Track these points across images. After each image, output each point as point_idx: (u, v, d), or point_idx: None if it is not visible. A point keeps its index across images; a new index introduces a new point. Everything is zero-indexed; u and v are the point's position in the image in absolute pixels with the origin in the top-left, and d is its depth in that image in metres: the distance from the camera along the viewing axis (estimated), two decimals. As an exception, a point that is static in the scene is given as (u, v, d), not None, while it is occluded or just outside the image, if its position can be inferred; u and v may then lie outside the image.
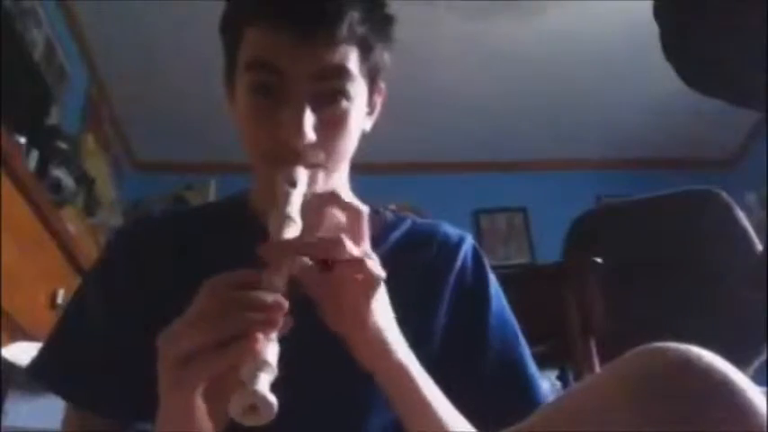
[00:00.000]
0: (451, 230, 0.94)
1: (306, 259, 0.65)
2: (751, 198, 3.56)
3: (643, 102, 3.59)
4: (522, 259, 3.66)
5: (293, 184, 0.73)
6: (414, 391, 0.68)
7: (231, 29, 0.80)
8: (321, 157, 0.78)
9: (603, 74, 3.43)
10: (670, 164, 4.04)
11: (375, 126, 0.88)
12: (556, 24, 3.14)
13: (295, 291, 0.63)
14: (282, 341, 0.60)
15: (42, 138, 2.15)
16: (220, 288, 0.59)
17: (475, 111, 3.64)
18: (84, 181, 2.55)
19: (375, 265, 0.65)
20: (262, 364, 0.54)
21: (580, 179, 4.00)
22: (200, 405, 0.59)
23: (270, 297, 0.58)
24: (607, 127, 3.79)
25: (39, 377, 0.88)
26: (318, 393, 0.78)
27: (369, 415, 0.79)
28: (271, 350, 0.56)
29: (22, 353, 1.41)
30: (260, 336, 0.56)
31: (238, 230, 0.88)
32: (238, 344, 0.56)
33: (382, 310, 0.67)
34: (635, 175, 4.03)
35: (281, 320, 0.59)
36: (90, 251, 2.21)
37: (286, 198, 0.71)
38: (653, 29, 1.64)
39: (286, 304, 0.59)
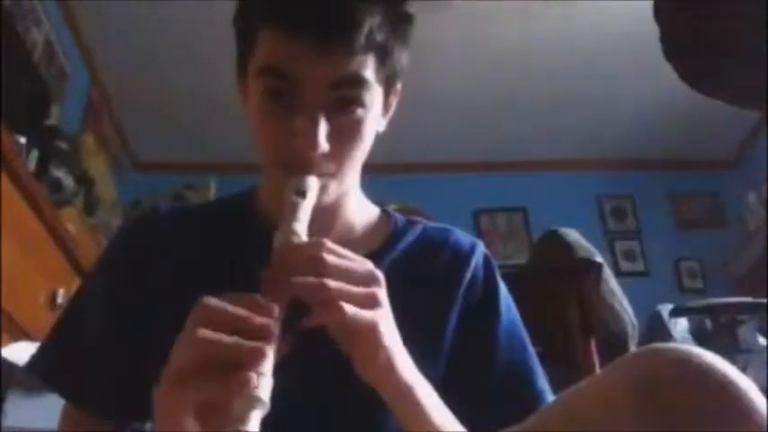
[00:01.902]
0: (463, 238, 0.92)
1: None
2: (751, 198, 3.56)
3: (643, 102, 3.59)
4: (521, 259, 3.65)
5: (302, 194, 0.72)
6: (419, 412, 0.67)
7: (245, 27, 0.79)
8: (333, 166, 0.77)
9: (604, 74, 3.42)
10: (670, 164, 4.05)
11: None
12: (556, 25, 3.14)
13: (300, 310, 0.63)
14: (293, 353, 0.60)
15: (42, 138, 2.15)
16: (213, 319, 0.58)
17: (475, 111, 3.64)
18: (84, 181, 2.55)
19: (359, 312, 0.62)
20: (254, 401, 0.54)
21: (580, 179, 4.00)
22: (194, 428, 0.58)
23: (261, 342, 0.57)
24: (607, 127, 3.79)
25: (37, 373, 0.88)
26: (330, 403, 0.77)
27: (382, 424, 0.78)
28: (264, 385, 0.56)
29: (22, 353, 1.41)
30: (252, 372, 0.56)
31: (243, 229, 0.88)
32: (229, 379, 0.56)
33: (388, 331, 0.65)
34: (635, 175, 4.04)
35: (272, 353, 0.58)
36: (90, 251, 2.21)
37: (294, 209, 0.70)
38: (653, 29, 1.64)
39: (273, 332, 0.58)
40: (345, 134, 0.76)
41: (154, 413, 0.59)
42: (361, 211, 0.91)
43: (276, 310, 0.60)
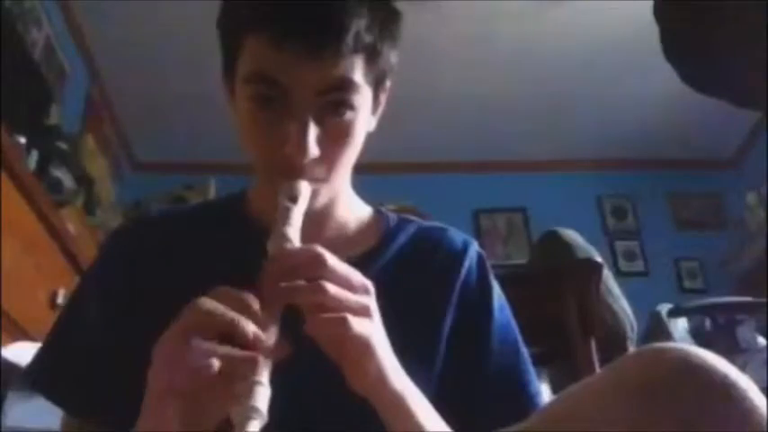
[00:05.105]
0: (457, 236, 0.92)
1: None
2: (751, 198, 3.56)
3: (643, 102, 3.59)
4: (521, 259, 3.65)
5: (294, 199, 0.72)
6: (410, 421, 0.66)
7: (230, 32, 0.78)
8: (324, 171, 0.76)
9: (603, 74, 3.43)
10: (670, 164, 4.05)
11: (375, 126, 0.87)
12: (556, 25, 3.14)
13: (296, 316, 0.62)
14: (285, 360, 0.59)
15: (42, 138, 2.15)
16: (204, 323, 0.58)
17: (475, 111, 3.64)
18: (84, 181, 2.55)
19: (359, 323, 0.62)
20: (251, 411, 0.55)
21: (580, 179, 4.01)
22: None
23: (256, 350, 0.58)
24: (607, 127, 3.79)
25: (35, 385, 0.87)
26: (321, 411, 0.76)
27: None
28: (261, 395, 0.56)
29: (22, 353, 1.41)
30: (249, 380, 0.56)
31: (236, 230, 0.87)
32: (227, 389, 0.56)
33: (380, 341, 0.64)
34: (635, 175, 4.04)
35: (269, 362, 0.58)
36: (90, 251, 2.20)
37: (286, 214, 0.70)
38: (653, 29, 1.64)
39: (271, 343, 0.59)
40: (336, 138, 0.75)
41: (140, 417, 0.59)
42: (353, 210, 0.90)
43: (270, 320, 0.60)
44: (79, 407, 0.84)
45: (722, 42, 1.51)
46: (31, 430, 1.37)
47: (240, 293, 0.60)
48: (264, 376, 0.57)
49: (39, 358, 0.87)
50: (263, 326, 0.59)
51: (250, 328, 0.58)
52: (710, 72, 1.61)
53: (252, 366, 0.57)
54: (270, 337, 0.60)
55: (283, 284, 0.61)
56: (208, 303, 0.59)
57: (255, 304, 0.60)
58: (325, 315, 0.61)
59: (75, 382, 0.83)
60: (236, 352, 0.57)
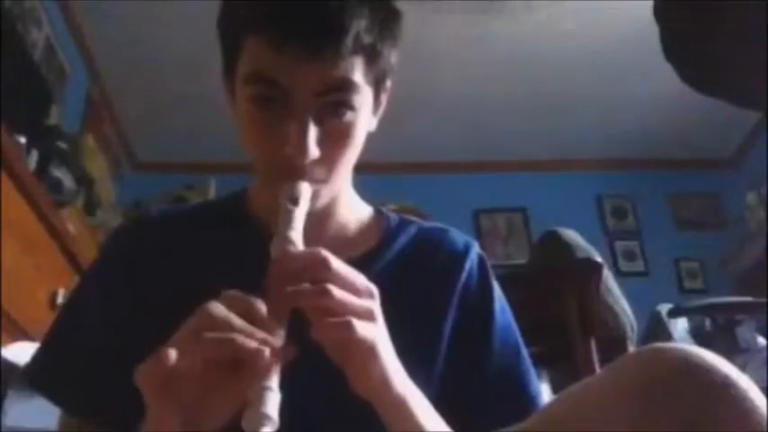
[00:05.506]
0: (458, 238, 0.92)
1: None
2: (751, 198, 3.56)
3: (643, 102, 3.59)
4: (522, 259, 3.65)
5: (295, 201, 0.72)
6: (412, 424, 0.66)
7: (231, 32, 0.78)
8: (324, 172, 0.76)
9: (604, 74, 3.43)
10: (670, 164, 4.05)
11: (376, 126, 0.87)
12: (556, 25, 3.14)
13: (301, 321, 0.62)
14: (292, 362, 0.60)
15: (42, 138, 2.15)
16: (216, 323, 0.58)
17: (475, 111, 3.64)
18: (84, 181, 2.55)
19: (364, 327, 0.62)
20: (263, 418, 0.55)
21: (580, 179, 4.01)
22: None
23: (266, 351, 0.58)
24: (607, 127, 3.79)
25: (33, 383, 0.87)
26: (322, 415, 0.76)
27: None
28: (272, 400, 0.56)
29: (22, 353, 1.41)
30: (259, 386, 0.56)
31: (237, 230, 0.87)
32: (231, 390, 0.57)
33: (384, 345, 0.65)
34: (635, 175, 4.04)
35: (278, 367, 0.58)
36: (90, 251, 2.20)
37: (288, 217, 0.70)
38: (653, 29, 1.64)
39: (279, 344, 0.59)
40: (336, 139, 0.75)
41: (146, 417, 0.59)
42: (353, 211, 0.90)
43: (277, 324, 0.60)
44: (78, 406, 0.84)
45: (722, 42, 1.51)
46: (30, 430, 1.37)
47: (248, 298, 0.60)
48: (274, 381, 0.57)
49: (37, 357, 0.87)
50: (271, 330, 0.60)
51: (259, 334, 0.58)
52: (710, 72, 1.61)
53: (263, 369, 0.57)
54: (278, 341, 0.60)
55: (289, 288, 0.62)
56: (218, 308, 0.59)
57: (263, 309, 0.60)
58: (331, 319, 0.61)
59: (74, 382, 0.83)
60: (250, 342, 0.57)
